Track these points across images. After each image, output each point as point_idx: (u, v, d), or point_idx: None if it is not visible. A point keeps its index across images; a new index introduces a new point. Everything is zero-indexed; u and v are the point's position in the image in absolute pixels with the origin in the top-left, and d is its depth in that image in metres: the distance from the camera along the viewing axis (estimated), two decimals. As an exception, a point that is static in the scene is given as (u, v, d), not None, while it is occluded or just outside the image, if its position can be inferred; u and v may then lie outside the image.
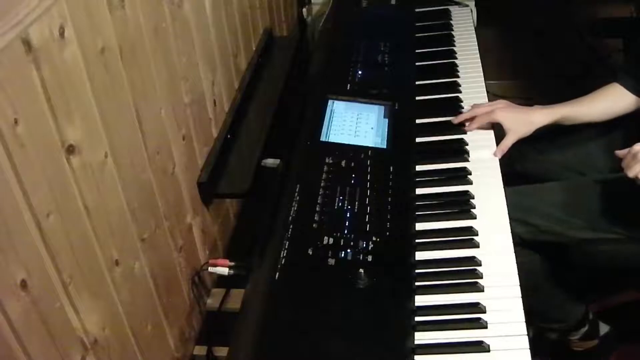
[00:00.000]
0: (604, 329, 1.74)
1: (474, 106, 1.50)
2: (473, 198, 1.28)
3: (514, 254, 1.16)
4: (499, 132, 1.45)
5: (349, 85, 1.60)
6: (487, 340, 1.01)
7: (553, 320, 1.66)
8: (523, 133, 1.43)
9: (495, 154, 1.40)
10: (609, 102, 1.46)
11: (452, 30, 1.88)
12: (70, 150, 0.85)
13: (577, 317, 1.66)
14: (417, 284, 1.12)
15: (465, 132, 1.46)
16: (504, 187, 1.32)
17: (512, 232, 1.21)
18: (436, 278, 1.13)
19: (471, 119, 1.47)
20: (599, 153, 1.51)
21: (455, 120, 1.49)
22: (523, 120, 1.43)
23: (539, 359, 1.69)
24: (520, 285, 1.10)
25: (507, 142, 1.42)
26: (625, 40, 2.56)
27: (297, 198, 1.25)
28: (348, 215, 1.22)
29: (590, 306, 1.72)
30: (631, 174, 1.20)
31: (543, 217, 1.38)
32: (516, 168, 1.62)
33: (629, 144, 1.21)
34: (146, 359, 1.08)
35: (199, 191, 1.32)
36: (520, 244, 1.30)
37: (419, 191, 1.32)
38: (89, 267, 0.91)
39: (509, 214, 1.25)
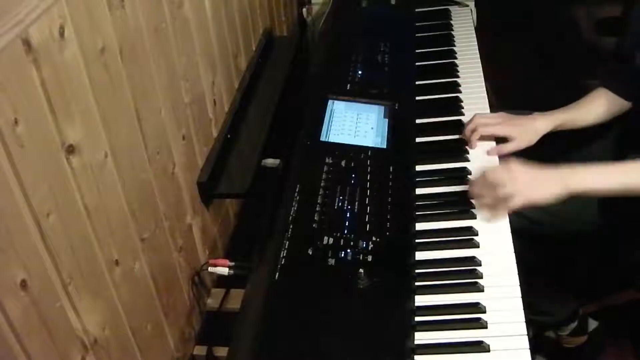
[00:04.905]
0: (592, 325, 1.75)
1: (476, 117, 1.44)
2: (473, 198, 1.28)
3: (514, 254, 1.16)
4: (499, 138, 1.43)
5: (349, 85, 1.60)
6: (487, 340, 1.01)
7: (542, 313, 1.66)
8: (527, 142, 1.39)
9: (488, 152, 1.39)
10: (602, 107, 1.44)
11: (452, 30, 1.88)
12: (70, 150, 0.85)
13: (566, 312, 1.66)
14: (417, 284, 1.12)
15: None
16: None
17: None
18: (436, 278, 1.13)
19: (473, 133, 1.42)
20: (601, 155, 1.50)
21: (471, 146, 1.43)
22: (527, 129, 1.40)
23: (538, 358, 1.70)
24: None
25: (508, 147, 1.39)
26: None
27: (297, 198, 1.25)
28: (348, 215, 1.22)
29: (588, 306, 1.72)
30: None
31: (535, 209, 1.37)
32: None
33: (628, 143, 1.21)
34: (146, 359, 1.09)
35: (199, 191, 1.33)
36: (515, 235, 1.30)
37: (419, 191, 1.32)
38: (89, 267, 0.91)
39: None
